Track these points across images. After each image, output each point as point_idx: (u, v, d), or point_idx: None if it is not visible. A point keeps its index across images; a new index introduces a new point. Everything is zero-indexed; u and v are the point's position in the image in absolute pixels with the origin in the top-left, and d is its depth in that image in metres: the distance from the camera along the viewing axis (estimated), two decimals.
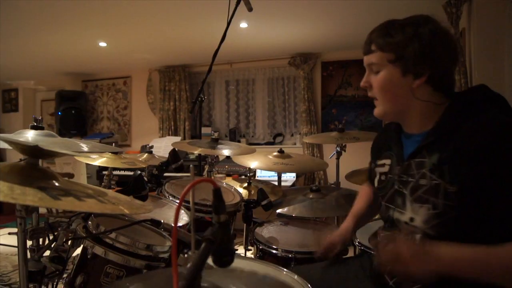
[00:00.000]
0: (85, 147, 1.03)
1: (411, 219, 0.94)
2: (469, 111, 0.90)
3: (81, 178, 4.13)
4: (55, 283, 1.27)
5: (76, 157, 2.39)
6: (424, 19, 0.94)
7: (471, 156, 0.84)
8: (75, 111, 5.22)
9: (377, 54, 0.96)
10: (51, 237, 1.21)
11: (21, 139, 0.90)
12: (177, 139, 4.59)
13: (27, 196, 0.72)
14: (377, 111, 1.03)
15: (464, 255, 0.81)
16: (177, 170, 1.86)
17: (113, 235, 1.17)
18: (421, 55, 0.91)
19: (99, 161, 2.11)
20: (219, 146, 2.05)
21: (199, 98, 2.22)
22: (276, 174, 3.83)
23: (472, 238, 0.83)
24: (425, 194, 0.91)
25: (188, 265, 0.58)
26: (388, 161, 1.07)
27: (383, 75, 0.96)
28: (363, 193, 1.37)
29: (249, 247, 1.91)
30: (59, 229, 1.22)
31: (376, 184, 1.12)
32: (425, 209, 0.91)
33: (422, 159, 0.93)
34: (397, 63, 0.94)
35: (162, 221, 1.24)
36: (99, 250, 1.17)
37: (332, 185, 2.79)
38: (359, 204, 1.36)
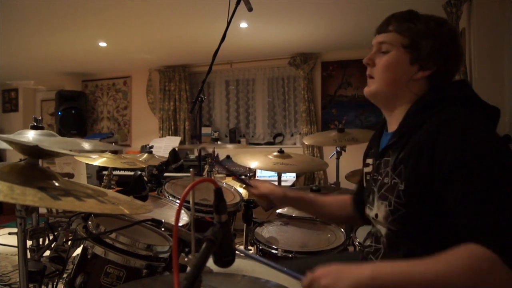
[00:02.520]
0: (86, 146, 1.03)
1: (376, 215, 0.98)
2: (429, 110, 0.91)
3: (81, 178, 4.13)
4: (55, 283, 1.27)
5: (76, 157, 2.39)
6: (444, 20, 0.97)
7: (418, 154, 0.85)
8: (75, 111, 5.22)
9: (393, 35, 0.97)
10: (51, 237, 1.21)
11: (21, 139, 0.90)
12: (177, 139, 4.59)
13: (27, 196, 0.72)
14: (368, 89, 1.03)
15: (388, 274, 0.77)
16: (177, 170, 1.86)
17: (113, 235, 1.17)
18: (435, 50, 0.93)
19: (99, 161, 2.11)
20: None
21: (199, 98, 2.22)
22: (276, 174, 3.83)
23: (426, 236, 0.86)
24: (386, 191, 0.94)
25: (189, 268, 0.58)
26: (371, 161, 1.09)
27: (392, 56, 0.97)
28: (340, 197, 1.34)
29: (249, 247, 1.90)
30: (59, 229, 1.22)
31: (364, 184, 1.13)
32: (384, 206, 0.94)
33: (388, 158, 0.96)
34: (409, 49, 0.95)
35: (163, 220, 1.24)
36: (99, 250, 1.17)
37: (332, 185, 2.79)
38: (325, 198, 1.33)
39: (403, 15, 0.98)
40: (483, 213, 0.74)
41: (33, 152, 0.89)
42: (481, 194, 0.75)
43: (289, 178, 4.01)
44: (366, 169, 1.11)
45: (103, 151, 2.06)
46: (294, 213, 1.87)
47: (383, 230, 0.97)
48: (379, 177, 0.98)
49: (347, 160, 2.79)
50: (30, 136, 0.96)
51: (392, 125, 1.02)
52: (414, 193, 0.87)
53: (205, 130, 4.58)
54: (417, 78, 0.95)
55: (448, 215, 0.81)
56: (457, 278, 0.71)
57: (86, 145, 1.02)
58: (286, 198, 1.27)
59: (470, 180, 0.77)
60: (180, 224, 1.60)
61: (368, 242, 1.04)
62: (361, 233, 1.70)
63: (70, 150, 0.99)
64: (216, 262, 0.69)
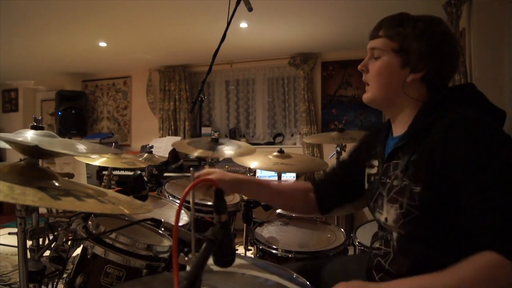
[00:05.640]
0: (83, 149, 1.01)
1: (386, 219, 0.96)
2: (439, 111, 0.90)
3: (81, 178, 4.12)
4: (55, 283, 1.27)
5: (76, 157, 2.39)
6: (437, 20, 0.96)
7: (430, 155, 0.85)
8: (75, 111, 5.22)
9: (383, 40, 0.97)
10: (51, 237, 1.20)
11: (20, 139, 0.89)
12: (177, 139, 4.58)
13: (27, 196, 0.72)
14: (366, 96, 1.04)
15: None
16: (177, 170, 1.87)
17: (113, 235, 1.17)
18: (425, 52, 0.92)
19: (99, 161, 2.10)
20: (219, 146, 2.04)
21: (199, 98, 2.22)
22: (276, 174, 3.83)
23: (438, 239, 0.86)
24: (396, 194, 0.92)
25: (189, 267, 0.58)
26: (376, 162, 1.07)
27: (383, 61, 0.98)
28: (297, 185, 1.31)
29: (249, 247, 1.90)
30: (59, 229, 1.22)
31: (366, 186, 1.12)
32: (394, 209, 0.92)
33: (397, 161, 0.95)
34: (399, 53, 0.95)
35: (162, 220, 1.24)
36: (99, 250, 1.17)
37: None
38: (282, 185, 1.34)
39: (392, 20, 0.98)
40: (494, 217, 0.73)
41: (33, 152, 0.89)
42: (492, 196, 0.75)
43: (289, 178, 4.01)
44: (370, 170, 1.09)
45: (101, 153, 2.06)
46: (294, 213, 1.87)
47: (394, 234, 0.96)
48: (388, 180, 0.97)
49: None
50: (29, 136, 0.95)
51: (398, 129, 1.01)
52: (429, 196, 0.85)
53: (205, 130, 4.58)
54: (410, 81, 0.95)
55: (462, 217, 0.80)
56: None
57: (82, 147, 1.01)
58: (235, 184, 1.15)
59: (481, 181, 0.76)
60: (180, 224, 1.59)
61: (377, 245, 1.02)
62: (361, 233, 1.70)
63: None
64: (216, 262, 0.69)
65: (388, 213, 0.95)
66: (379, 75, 0.99)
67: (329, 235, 1.72)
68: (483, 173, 0.77)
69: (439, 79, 0.96)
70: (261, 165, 2.13)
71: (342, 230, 1.75)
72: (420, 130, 0.91)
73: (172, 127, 5.01)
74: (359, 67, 1.04)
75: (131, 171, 3.69)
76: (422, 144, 0.88)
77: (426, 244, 0.88)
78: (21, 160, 0.92)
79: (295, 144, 4.69)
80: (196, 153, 1.88)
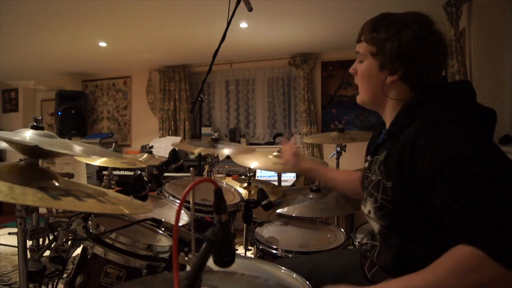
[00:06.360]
0: (80, 150, 1.00)
1: (369, 212, 1.01)
2: (418, 111, 0.90)
3: (81, 178, 4.13)
4: (55, 283, 1.27)
5: (76, 157, 2.39)
6: (415, 18, 0.95)
7: (401, 154, 0.87)
8: (75, 111, 5.22)
9: (363, 45, 1.02)
10: (51, 237, 1.20)
11: (18, 138, 0.89)
12: (177, 139, 4.59)
13: (27, 196, 0.72)
14: (357, 98, 1.09)
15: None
16: (177, 170, 1.86)
17: (113, 235, 1.17)
18: (397, 53, 0.94)
19: (99, 161, 2.10)
20: (219, 146, 2.04)
21: (199, 98, 2.22)
22: (276, 174, 3.83)
23: (416, 232, 0.88)
24: (372, 189, 0.97)
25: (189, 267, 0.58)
26: (369, 157, 1.10)
27: (364, 65, 1.02)
28: (350, 175, 1.44)
29: (249, 247, 1.90)
30: (59, 229, 1.22)
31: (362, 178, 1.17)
32: (371, 202, 0.97)
33: (378, 156, 0.98)
34: (377, 57, 0.98)
35: (163, 220, 1.24)
36: (99, 250, 1.17)
37: None
38: (341, 172, 1.56)
39: (370, 24, 1.02)
40: (466, 213, 0.73)
41: (33, 152, 0.89)
42: (461, 193, 0.74)
43: (289, 178, 4.01)
44: (365, 165, 1.13)
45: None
46: (294, 213, 1.87)
47: (376, 227, 1.00)
48: (369, 174, 1.01)
49: (347, 160, 2.78)
50: (28, 135, 0.95)
51: (387, 124, 1.05)
52: (399, 192, 0.89)
53: (205, 130, 4.58)
54: (389, 83, 0.97)
55: (435, 211, 0.81)
56: (449, 282, 0.71)
57: (80, 149, 1.00)
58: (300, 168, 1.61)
59: (450, 181, 0.76)
60: (180, 224, 1.59)
61: (365, 240, 1.07)
62: (361, 233, 1.70)
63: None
64: (216, 262, 0.69)
65: (369, 206, 0.99)
66: (362, 79, 1.03)
67: (329, 235, 1.72)
68: (450, 174, 0.76)
69: (419, 78, 0.96)
70: (261, 165, 2.13)
71: (342, 230, 1.75)
72: (398, 128, 0.93)
73: (172, 127, 5.01)
74: (349, 70, 1.08)
75: (131, 171, 3.69)
76: (397, 143, 0.91)
77: (406, 236, 0.91)
78: (21, 160, 0.92)
79: (295, 144, 4.68)
80: (196, 151, 1.88)
